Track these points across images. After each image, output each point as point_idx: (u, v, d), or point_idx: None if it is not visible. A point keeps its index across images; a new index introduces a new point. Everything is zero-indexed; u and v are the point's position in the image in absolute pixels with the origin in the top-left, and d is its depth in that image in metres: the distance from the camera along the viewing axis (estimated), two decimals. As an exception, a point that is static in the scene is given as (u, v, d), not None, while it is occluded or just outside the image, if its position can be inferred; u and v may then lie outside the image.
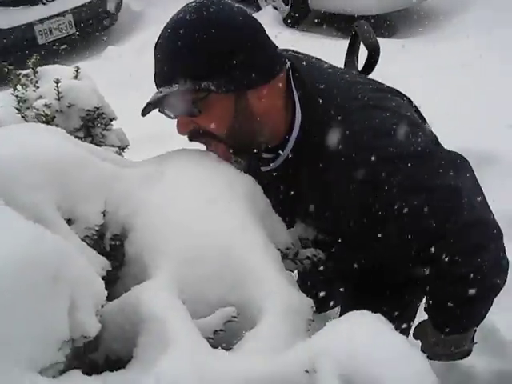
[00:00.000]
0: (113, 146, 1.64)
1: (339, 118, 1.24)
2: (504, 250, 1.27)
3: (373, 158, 1.19)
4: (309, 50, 1.52)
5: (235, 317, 1.01)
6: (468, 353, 1.50)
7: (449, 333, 1.40)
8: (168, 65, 1.21)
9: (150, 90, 4.35)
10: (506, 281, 1.29)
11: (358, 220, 1.29)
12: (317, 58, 1.42)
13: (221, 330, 1.00)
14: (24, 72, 1.69)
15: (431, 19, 5.85)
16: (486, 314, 1.37)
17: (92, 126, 1.61)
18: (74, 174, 1.05)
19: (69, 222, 1.05)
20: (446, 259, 1.23)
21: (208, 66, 1.18)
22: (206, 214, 1.10)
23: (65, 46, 5.50)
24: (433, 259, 1.26)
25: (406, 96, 1.42)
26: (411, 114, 1.31)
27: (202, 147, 1.33)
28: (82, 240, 1.05)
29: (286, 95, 1.29)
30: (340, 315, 1.05)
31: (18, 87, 1.64)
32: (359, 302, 1.03)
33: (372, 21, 5.56)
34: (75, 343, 0.84)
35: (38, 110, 1.51)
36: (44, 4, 5.32)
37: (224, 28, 1.19)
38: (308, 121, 1.28)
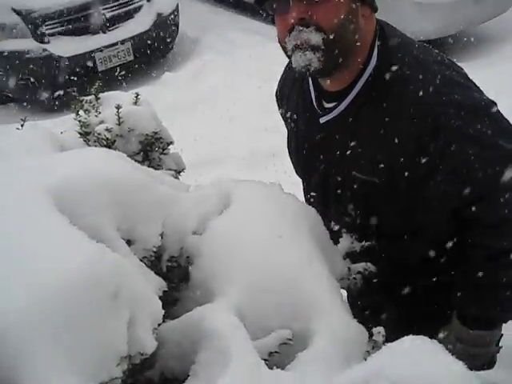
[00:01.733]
0: (170, 169, 1.67)
1: (413, 63, 1.32)
2: None
3: (440, 100, 1.26)
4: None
5: (290, 339, 1.03)
6: (491, 361, 1.46)
7: (477, 326, 1.36)
8: None
9: (205, 115, 4.44)
10: None
11: (411, 167, 1.30)
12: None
13: (276, 352, 1.02)
14: (87, 98, 1.75)
15: (481, 44, 5.79)
16: None
17: (150, 150, 1.66)
18: (134, 196, 1.09)
19: (128, 242, 1.09)
20: (490, 225, 1.26)
21: None
22: (273, 246, 1.13)
23: (123, 72, 5.66)
24: (474, 224, 1.28)
25: None
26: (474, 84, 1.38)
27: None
28: (141, 260, 1.09)
29: (372, 36, 1.36)
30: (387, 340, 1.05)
31: (81, 112, 1.70)
32: (407, 326, 1.03)
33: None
34: (132, 360, 0.87)
35: (99, 134, 1.57)
36: (104, 33, 5.52)
37: None
38: (381, 63, 1.34)
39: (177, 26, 6.29)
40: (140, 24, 5.78)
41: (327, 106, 1.43)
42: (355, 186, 1.40)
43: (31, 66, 5.24)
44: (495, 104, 1.33)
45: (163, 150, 1.70)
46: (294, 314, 1.06)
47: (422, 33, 5.41)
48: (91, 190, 1.01)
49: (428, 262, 1.43)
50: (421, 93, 1.27)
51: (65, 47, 5.33)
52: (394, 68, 1.32)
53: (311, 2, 1.25)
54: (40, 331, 0.76)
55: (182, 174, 1.76)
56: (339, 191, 1.46)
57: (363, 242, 1.44)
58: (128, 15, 5.73)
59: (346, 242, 1.45)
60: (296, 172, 1.69)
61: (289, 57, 1.35)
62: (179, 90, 5.21)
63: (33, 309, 0.76)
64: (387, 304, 1.52)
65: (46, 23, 5.27)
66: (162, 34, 5.95)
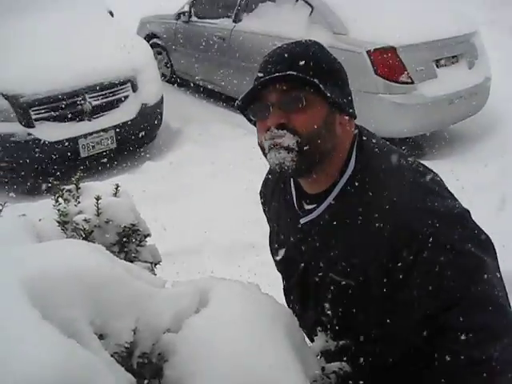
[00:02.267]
0: (146, 261, 1.68)
1: (389, 170, 1.38)
2: None
3: (414, 207, 1.29)
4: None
5: None
6: None
7: None
8: (285, 63, 1.35)
9: (185, 205, 4.48)
10: None
11: (385, 272, 1.31)
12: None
13: None
14: (67, 187, 1.77)
15: (455, 143, 6.02)
16: None
17: (127, 241, 1.67)
18: (109, 290, 1.09)
19: (100, 337, 1.08)
20: (461, 333, 1.22)
21: (326, 71, 1.37)
22: (249, 348, 1.12)
23: (105, 159, 5.73)
24: (446, 331, 1.25)
25: None
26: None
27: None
28: (112, 356, 1.07)
29: (350, 143, 1.43)
30: None
31: (60, 200, 1.72)
32: None
33: (402, 144, 5.74)
34: None
35: (77, 224, 1.58)
36: (89, 121, 5.61)
37: (334, 58, 1.43)
38: (358, 169, 1.40)
39: (161, 116, 6.43)
40: (125, 113, 5.89)
41: (307, 207, 1.48)
42: (332, 288, 1.42)
43: (15, 149, 5.28)
44: (468, 212, 1.36)
45: (140, 241, 1.72)
46: None
47: (397, 131, 5.62)
48: (66, 283, 1.00)
49: (405, 361, 1.42)
50: (395, 199, 1.31)
51: (49, 132, 5.39)
52: (370, 174, 1.38)
53: (287, 111, 1.34)
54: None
55: (157, 266, 1.77)
56: (317, 292, 1.48)
57: (338, 341, 1.43)
58: (113, 104, 5.85)
59: (321, 340, 1.45)
60: (277, 269, 1.71)
61: (265, 155, 1.41)
62: (160, 180, 5.27)
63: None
64: None
65: (33, 108, 5.36)
66: (145, 123, 6.08)
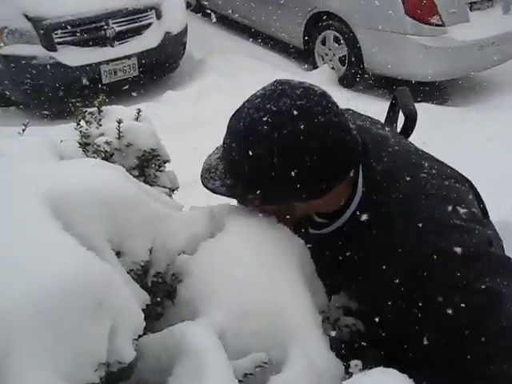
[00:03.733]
0: (164, 186, 1.71)
1: (399, 201, 1.26)
2: None
3: (425, 249, 1.20)
4: (358, 111, 1.59)
5: (266, 363, 1.05)
6: None
7: None
8: (228, 163, 1.32)
9: (204, 136, 4.47)
10: None
11: (395, 302, 1.24)
12: (381, 128, 1.45)
13: (251, 374, 1.04)
14: (90, 110, 1.79)
15: (482, 90, 5.90)
16: None
17: (146, 166, 1.69)
18: (128, 210, 1.12)
19: (117, 254, 1.12)
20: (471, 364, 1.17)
21: (263, 178, 1.24)
22: (262, 274, 1.17)
23: (127, 86, 5.72)
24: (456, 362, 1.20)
25: (467, 180, 1.42)
26: (470, 206, 1.30)
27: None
28: (128, 273, 1.12)
29: (352, 181, 1.31)
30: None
31: (82, 123, 1.74)
32: None
33: (427, 88, 5.64)
34: (110, 367, 0.90)
35: (98, 146, 1.60)
36: (112, 47, 5.58)
37: (293, 149, 1.21)
38: (364, 200, 1.30)
39: (184, 45, 6.36)
40: (148, 41, 5.85)
41: (318, 220, 1.42)
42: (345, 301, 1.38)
43: (37, 72, 5.29)
44: (490, 244, 1.27)
45: (159, 167, 1.74)
46: (273, 341, 1.09)
47: (423, 74, 5.52)
48: (86, 200, 1.04)
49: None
50: (404, 238, 1.23)
51: (72, 57, 5.39)
52: (378, 207, 1.28)
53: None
54: (25, 331, 0.78)
55: (175, 192, 1.79)
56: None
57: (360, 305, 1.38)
58: (137, 31, 5.80)
59: (344, 298, 1.41)
60: None
61: None
62: (180, 109, 5.26)
63: (19, 309, 0.79)
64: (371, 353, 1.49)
65: (56, 32, 5.33)
66: (168, 52, 6.03)
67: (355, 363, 1.11)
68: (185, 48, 6.40)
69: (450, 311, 1.17)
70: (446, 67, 5.56)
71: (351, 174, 1.30)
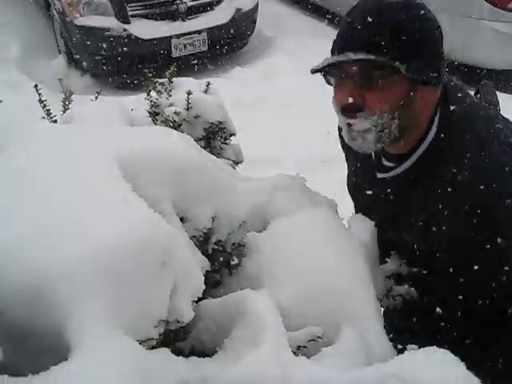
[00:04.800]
0: (229, 159, 1.74)
1: (472, 143, 1.27)
2: None
3: (491, 191, 1.22)
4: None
5: (320, 337, 1.08)
6: None
7: None
8: (365, 34, 1.23)
9: (268, 114, 4.48)
10: None
11: (463, 235, 1.27)
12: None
13: (304, 347, 1.07)
14: (160, 80, 1.83)
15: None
16: None
17: (213, 138, 1.72)
18: (193, 178, 1.16)
19: (181, 220, 1.16)
20: None
21: (406, 48, 1.21)
22: (329, 259, 1.20)
23: (195, 61, 5.78)
24: None
25: None
26: None
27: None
28: (190, 238, 1.16)
29: (433, 108, 1.33)
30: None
31: (152, 93, 1.78)
32: None
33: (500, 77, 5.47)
34: (169, 325, 0.94)
35: (168, 116, 1.64)
36: (183, 21, 5.65)
37: (426, 20, 1.26)
38: (440, 137, 1.32)
39: (254, 23, 6.37)
40: (219, 16, 5.88)
41: (385, 163, 1.44)
42: (404, 247, 1.41)
43: (110, 44, 5.41)
44: None
45: (225, 139, 1.77)
46: (332, 321, 1.12)
47: (497, 62, 5.34)
48: (155, 165, 1.08)
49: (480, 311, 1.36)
50: (473, 180, 1.24)
51: (144, 29, 5.49)
52: (452, 144, 1.29)
53: (363, 88, 1.26)
54: (90, 284, 0.82)
55: (239, 165, 1.82)
56: (392, 246, 1.45)
57: (411, 268, 1.42)
58: (208, 6, 5.85)
59: (394, 263, 1.46)
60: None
61: (339, 129, 1.43)
62: (248, 86, 5.29)
63: (82, 265, 0.83)
64: (424, 332, 1.47)
65: (130, 5, 5.44)
66: (238, 29, 6.05)
67: (412, 347, 1.12)
68: (255, 25, 6.40)
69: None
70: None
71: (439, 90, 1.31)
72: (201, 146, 1.64)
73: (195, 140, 1.64)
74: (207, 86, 1.80)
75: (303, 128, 4.49)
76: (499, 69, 5.44)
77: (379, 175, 1.44)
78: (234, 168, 1.76)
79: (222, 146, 1.75)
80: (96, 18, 5.44)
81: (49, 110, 1.63)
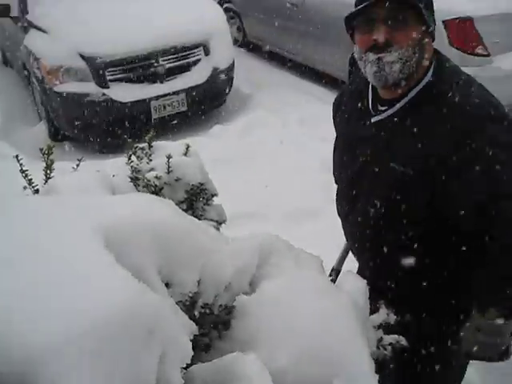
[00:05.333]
0: (212, 220, 1.75)
1: (461, 83, 1.60)
2: None
3: (480, 112, 1.50)
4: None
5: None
6: (506, 352, 1.57)
7: (493, 315, 1.49)
8: None
9: (250, 170, 4.53)
10: None
11: (446, 162, 1.51)
12: None
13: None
14: (140, 145, 1.85)
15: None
16: None
17: (195, 199, 1.74)
18: (177, 242, 1.16)
19: (167, 285, 1.16)
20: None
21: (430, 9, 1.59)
22: (322, 322, 1.21)
23: (175, 121, 5.86)
24: (496, 221, 1.45)
25: None
26: None
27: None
28: (176, 303, 1.16)
29: (431, 57, 1.65)
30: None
31: (133, 158, 1.80)
32: None
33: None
34: (158, 395, 0.93)
35: (149, 180, 1.66)
36: (161, 83, 5.75)
37: None
38: (434, 80, 1.62)
39: (231, 80, 6.49)
40: (196, 76, 5.98)
41: (381, 108, 1.70)
42: (390, 176, 1.64)
43: (90, 109, 5.48)
44: None
45: (207, 200, 1.78)
46: (326, 381, 1.13)
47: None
48: (138, 232, 1.09)
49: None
50: (464, 104, 1.53)
51: (123, 93, 5.56)
52: (443, 85, 1.60)
53: (392, 27, 1.55)
54: (78, 358, 0.82)
55: (222, 225, 1.83)
56: (372, 183, 1.71)
57: (398, 317, 1.52)
58: (186, 67, 5.95)
59: (382, 313, 1.50)
60: (334, 173, 1.97)
61: (362, 67, 1.66)
62: (227, 143, 5.35)
63: (70, 342, 0.82)
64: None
65: (109, 69, 5.53)
66: (216, 87, 6.16)
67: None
68: (232, 83, 6.52)
69: (496, 164, 1.44)
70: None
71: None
72: (183, 209, 1.66)
73: (177, 203, 1.66)
74: (187, 148, 1.83)
75: (286, 181, 4.54)
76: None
77: (374, 119, 1.71)
78: (218, 229, 1.77)
79: (205, 207, 1.76)
80: (75, 84, 5.51)
81: (30, 179, 1.64)
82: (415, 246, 1.64)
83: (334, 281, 1.74)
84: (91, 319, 0.83)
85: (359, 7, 1.57)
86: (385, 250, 1.70)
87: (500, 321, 1.50)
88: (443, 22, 5.28)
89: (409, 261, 1.65)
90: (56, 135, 5.84)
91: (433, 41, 1.65)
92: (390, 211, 1.66)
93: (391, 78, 1.60)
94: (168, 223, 1.17)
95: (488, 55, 5.33)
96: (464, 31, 5.28)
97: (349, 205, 1.83)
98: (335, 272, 2.09)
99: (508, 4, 5.41)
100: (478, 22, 5.24)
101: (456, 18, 5.27)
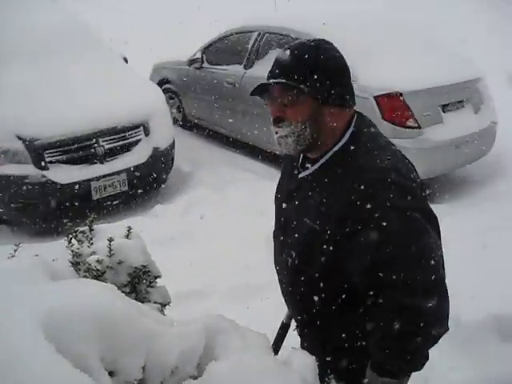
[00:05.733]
0: (155, 302, 1.73)
1: (371, 149, 1.68)
2: (447, 314, 1.59)
3: (378, 178, 1.58)
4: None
5: None
6: None
7: (383, 374, 1.60)
8: (281, 66, 1.69)
9: (193, 248, 4.52)
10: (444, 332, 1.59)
11: (343, 222, 1.61)
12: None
13: None
14: (81, 229, 1.84)
15: (464, 186, 6.09)
16: (419, 363, 1.61)
17: (138, 282, 1.72)
18: (119, 328, 1.14)
19: (111, 373, 1.13)
20: (396, 285, 1.53)
21: (318, 72, 1.64)
22: None
23: (117, 201, 5.81)
24: (384, 282, 1.55)
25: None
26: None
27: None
28: (121, 393, 1.12)
29: (346, 123, 1.73)
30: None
31: (73, 241, 1.78)
32: None
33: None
34: None
35: (90, 264, 1.64)
36: (102, 163, 5.72)
37: (331, 56, 1.70)
38: (348, 144, 1.70)
39: (172, 159, 6.53)
40: (137, 157, 5.99)
41: (306, 166, 1.81)
42: (303, 231, 1.74)
43: (29, 191, 5.38)
44: (422, 190, 1.69)
45: (150, 283, 1.77)
46: None
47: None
48: (79, 319, 1.06)
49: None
50: (366, 167, 1.62)
51: (63, 175, 5.49)
52: (357, 148, 1.69)
53: (285, 105, 1.68)
54: None
55: (166, 307, 1.81)
56: (291, 234, 1.81)
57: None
58: (126, 148, 5.96)
59: None
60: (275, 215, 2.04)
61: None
62: (170, 222, 5.33)
63: None
64: None
65: (48, 151, 5.48)
66: (157, 167, 6.18)
67: None
68: (173, 162, 6.56)
69: (384, 227, 1.54)
70: (426, 167, 5.67)
71: (350, 115, 1.75)
72: (126, 292, 1.64)
73: (119, 287, 1.63)
74: (128, 230, 1.82)
75: (230, 257, 4.54)
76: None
77: (300, 175, 1.82)
78: (162, 311, 1.75)
79: (148, 289, 1.75)
80: (13, 167, 5.40)
81: None
82: (323, 295, 1.74)
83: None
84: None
85: (255, 86, 1.73)
86: (299, 297, 1.82)
87: (389, 380, 1.60)
88: (374, 97, 5.54)
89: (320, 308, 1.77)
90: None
91: (347, 107, 1.73)
92: (302, 263, 1.76)
93: (290, 149, 1.72)
94: (110, 309, 1.15)
95: (419, 127, 5.58)
96: (394, 105, 5.53)
97: (276, 254, 1.96)
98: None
99: (435, 78, 5.74)
100: (408, 96, 5.52)
101: (386, 94, 5.54)
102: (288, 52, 1.69)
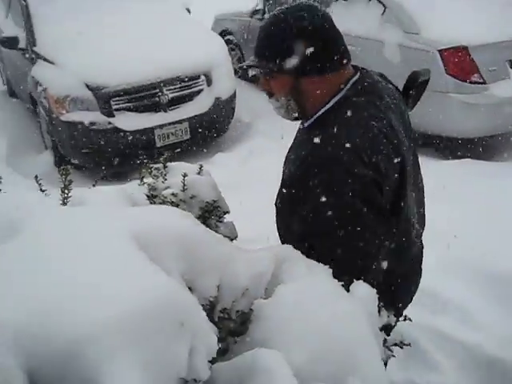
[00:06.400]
0: (224, 236, 1.84)
1: (343, 120, 1.66)
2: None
3: (327, 150, 1.61)
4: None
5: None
6: None
7: None
8: (256, 46, 1.76)
9: (252, 196, 4.61)
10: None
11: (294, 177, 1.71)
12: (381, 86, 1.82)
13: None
14: (156, 166, 1.95)
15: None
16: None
17: (208, 216, 1.83)
18: (198, 251, 1.25)
19: (189, 289, 1.24)
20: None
21: (291, 45, 1.64)
22: (337, 323, 1.29)
23: (179, 149, 5.97)
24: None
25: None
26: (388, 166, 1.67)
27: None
28: (198, 307, 1.24)
29: (336, 87, 1.73)
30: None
31: (146, 179, 1.90)
32: None
33: (472, 146, 5.70)
34: (187, 384, 1.01)
35: (165, 197, 1.75)
36: (165, 112, 5.88)
37: (303, 29, 1.66)
38: (331, 113, 1.71)
39: (233, 110, 6.64)
40: (199, 106, 6.13)
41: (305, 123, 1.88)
42: (284, 178, 1.89)
43: (96, 137, 5.60)
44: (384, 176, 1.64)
45: (219, 217, 1.88)
46: (340, 379, 1.20)
47: (466, 131, 5.59)
48: (166, 239, 1.18)
49: None
50: (320, 147, 1.64)
51: (128, 122, 5.69)
52: (333, 117, 1.69)
53: (267, 81, 1.78)
54: (117, 344, 0.90)
55: (233, 241, 1.92)
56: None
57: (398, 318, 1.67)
58: (189, 97, 6.10)
59: (383, 316, 1.59)
60: None
61: None
62: (230, 170, 5.45)
63: (109, 328, 0.91)
64: None
65: (114, 99, 5.67)
66: (218, 116, 6.30)
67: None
68: (234, 112, 6.66)
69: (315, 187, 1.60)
70: (489, 123, 5.60)
71: (339, 70, 1.73)
72: (198, 224, 1.75)
73: (193, 218, 1.75)
74: (200, 168, 1.93)
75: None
76: (472, 137, 5.70)
77: (301, 126, 1.91)
78: (230, 244, 1.86)
79: (217, 223, 1.86)
80: (82, 114, 5.64)
81: (68, 192, 1.71)
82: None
83: None
84: (128, 309, 0.92)
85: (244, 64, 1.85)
86: (282, 231, 2.00)
87: None
88: (439, 51, 5.43)
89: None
90: (61, 164, 5.94)
91: (328, 73, 1.72)
92: (282, 203, 1.94)
93: (286, 118, 1.87)
94: (191, 233, 1.26)
95: (484, 83, 5.46)
96: (459, 60, 5.42)
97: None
98: None
99: (503, 32, 5.57)
100: (473, 50, 5.39)
101: (450, 48, 5.43)
102: (260, 29, 1.75)
